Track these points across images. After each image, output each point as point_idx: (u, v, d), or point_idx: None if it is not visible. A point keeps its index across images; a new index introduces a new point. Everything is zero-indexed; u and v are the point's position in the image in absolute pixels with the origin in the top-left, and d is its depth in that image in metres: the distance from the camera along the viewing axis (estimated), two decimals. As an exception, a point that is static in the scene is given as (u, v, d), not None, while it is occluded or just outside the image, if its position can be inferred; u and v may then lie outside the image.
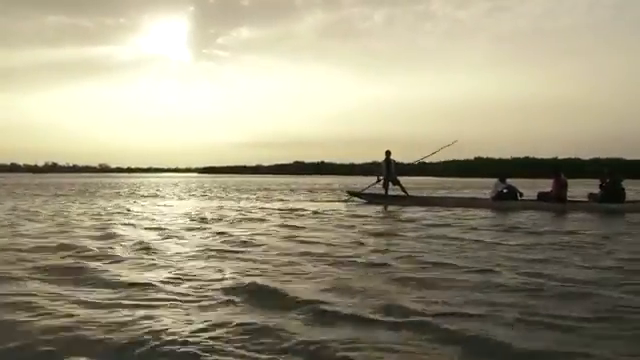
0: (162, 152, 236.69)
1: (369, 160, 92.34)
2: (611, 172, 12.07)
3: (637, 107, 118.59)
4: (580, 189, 15.57)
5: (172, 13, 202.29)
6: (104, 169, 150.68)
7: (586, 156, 66.34)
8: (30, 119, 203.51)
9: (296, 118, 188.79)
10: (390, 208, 13.00)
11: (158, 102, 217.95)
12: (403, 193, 14.70)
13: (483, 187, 22.73)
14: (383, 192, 14.65)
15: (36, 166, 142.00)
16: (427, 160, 16.43)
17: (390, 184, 14.58)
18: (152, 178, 65.13)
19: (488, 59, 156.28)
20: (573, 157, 65.28)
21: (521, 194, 12.92)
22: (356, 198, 15.52)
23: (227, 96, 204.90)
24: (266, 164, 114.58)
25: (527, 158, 71.48)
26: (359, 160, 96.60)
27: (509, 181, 13.53)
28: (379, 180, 14.79)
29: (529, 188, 15.98)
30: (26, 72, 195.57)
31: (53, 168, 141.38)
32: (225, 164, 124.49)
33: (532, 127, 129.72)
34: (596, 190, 12.18)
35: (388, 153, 14.69)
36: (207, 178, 66.92)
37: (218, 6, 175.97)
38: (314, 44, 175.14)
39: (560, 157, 68.08)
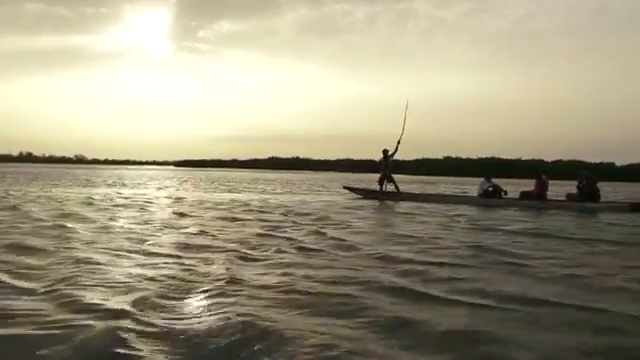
0: (141, 144, 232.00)
1: (343, 157, 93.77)
2: (588, 174, 13.16)
3: (604, 112, 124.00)
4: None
5: (153, 4, 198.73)
6: (80, 160, 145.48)
7: (549, 158, 69.47)
8: (5, 108, 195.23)
9: (275, 113, 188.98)
10: (386, 203, 13.81)
11: (137, 94, 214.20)
12: (395, 190, 15.45)
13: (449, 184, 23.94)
14: (378, 188, 15.45)
15: (10, 155, 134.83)
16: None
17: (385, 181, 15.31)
18: (122, 170, 64.02)
19: (467, 59, 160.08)
20: (537, 158, 68.21)
21: (505, 192, 13.91)
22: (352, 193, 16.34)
23: (207, 89, 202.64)
24: (241, 159, 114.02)
25: (493, 158, 74.06)
26: (335, 157, 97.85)
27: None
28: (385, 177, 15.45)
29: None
30: (2, 60, 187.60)
31: (28, 158, 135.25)
32: (202, 157, 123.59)
33: (499, 128, 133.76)
34: (574, 190, 13.29)
35: (385, 152, 15.36)
36: (175, 171, 66.42)
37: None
38: (295, 40, 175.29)
39: (524, 158, 71.09)
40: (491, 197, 13.88)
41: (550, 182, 13.91)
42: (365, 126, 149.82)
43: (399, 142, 15.11)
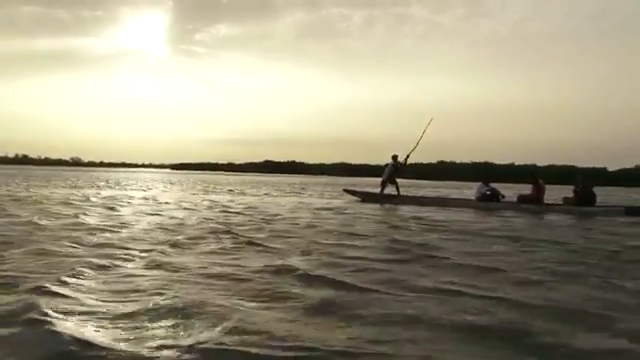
0: (137, 147, 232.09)
1: (339, 160, 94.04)
2: (584, 179, 13.38)
3: (597, 117, 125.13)
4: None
5: (150, 7, 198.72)
6: (76, 163, 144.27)
7: (542, 162, 69.92)
8: (1, 110, 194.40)
9: (271, 116, 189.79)
10: (386, 206, 13.98)
11: (134, 96, 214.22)
12: (395, 192, 15.61)
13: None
14: (378, 191, 15.67)
15: (6, 157, 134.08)
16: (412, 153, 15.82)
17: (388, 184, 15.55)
18: (114, 173, 63.74)
19: (463, 63, 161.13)
20: (530, 163, 68.59)
21: (503, 196, 14.08)
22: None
23: (203, 92, 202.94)
24: (238, 162, 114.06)
25: (486, 163, 74.48)
26: (331, 160, 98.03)
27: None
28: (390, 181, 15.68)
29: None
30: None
31: (24, 160, 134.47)
32: (199, 160, 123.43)
33: (494, 133, 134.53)
34: (569, 194, 13.48)
35: (395, 157, 15.61)
36: (168, 175, 66.36)
37: (197, 2, 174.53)
38: (292, 43, 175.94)
39: (517, 163, 71.54)
40: (489, 200, 14.03)
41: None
42: (362, 130, 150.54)
43: (408, 156, 15.52)
